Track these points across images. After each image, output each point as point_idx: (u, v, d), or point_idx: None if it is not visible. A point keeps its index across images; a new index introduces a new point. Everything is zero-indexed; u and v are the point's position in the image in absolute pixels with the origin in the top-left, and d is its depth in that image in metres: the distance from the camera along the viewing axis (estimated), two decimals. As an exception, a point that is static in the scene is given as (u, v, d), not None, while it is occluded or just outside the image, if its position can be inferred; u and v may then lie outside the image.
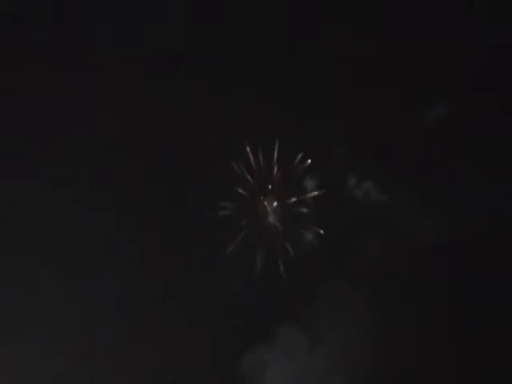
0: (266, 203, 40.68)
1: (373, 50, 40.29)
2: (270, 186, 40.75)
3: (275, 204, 40.70)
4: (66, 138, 40.46)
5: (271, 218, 40.65)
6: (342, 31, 40.29)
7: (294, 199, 40.38)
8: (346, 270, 39.24)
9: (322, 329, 38.48)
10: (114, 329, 39.41)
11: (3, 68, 40.86)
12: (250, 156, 40.39)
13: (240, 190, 40.40)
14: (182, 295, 39.45)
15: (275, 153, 40.10)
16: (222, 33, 40.85)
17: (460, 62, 40.15)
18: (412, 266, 39.19)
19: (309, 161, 40.00)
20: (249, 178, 40.64)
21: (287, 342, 38.61)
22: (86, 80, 40.44)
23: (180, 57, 40.89)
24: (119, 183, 40.33)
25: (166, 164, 40.41)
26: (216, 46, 40.81)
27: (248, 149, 40.27)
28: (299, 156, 40.18)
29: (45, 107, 40.71)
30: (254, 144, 40.34)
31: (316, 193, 40.16)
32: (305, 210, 40.22)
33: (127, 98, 40.27)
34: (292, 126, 40.32)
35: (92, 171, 40.32)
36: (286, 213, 40.56)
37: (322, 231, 39.69)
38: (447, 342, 38.96)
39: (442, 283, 39.32)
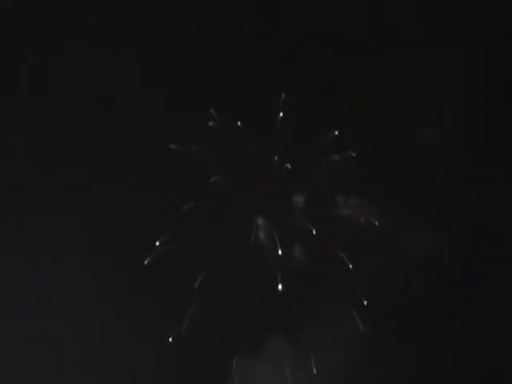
0: (259, 222, 37.99)
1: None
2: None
3: (267, 223, 38.15)
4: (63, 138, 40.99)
5: (262, 235, 38.44)
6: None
7: (285, 217, 38.03)
8: (338, 286, 38.55)
9: (312, 341, 38.55)
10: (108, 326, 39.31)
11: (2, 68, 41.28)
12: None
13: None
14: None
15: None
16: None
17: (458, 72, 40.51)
18: (406, 279, 39.23)
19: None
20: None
21: (275, 353, 38.56)
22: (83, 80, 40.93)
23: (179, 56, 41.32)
24: (116, 184, 40.56)
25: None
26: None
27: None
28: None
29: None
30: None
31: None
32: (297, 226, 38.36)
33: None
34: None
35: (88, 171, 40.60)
36: (278, 230, 38.19)
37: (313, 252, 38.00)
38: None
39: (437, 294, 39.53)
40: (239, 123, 36.80)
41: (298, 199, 38.34)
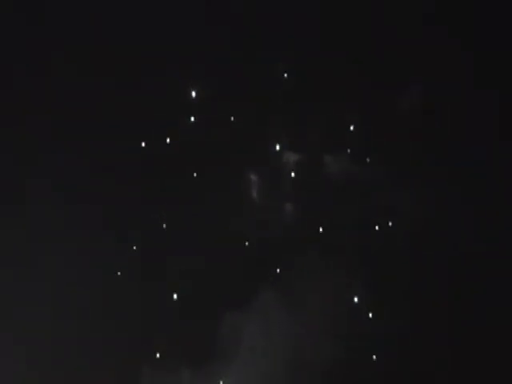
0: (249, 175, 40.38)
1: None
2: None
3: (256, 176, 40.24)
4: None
5: (254, 192, 39.93)
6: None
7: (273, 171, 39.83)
8: (325, 241, 39.23)
9: (300, 294, 38.72)
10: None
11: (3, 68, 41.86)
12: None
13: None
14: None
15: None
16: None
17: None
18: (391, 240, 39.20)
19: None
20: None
21: (265, 306, 38.65)
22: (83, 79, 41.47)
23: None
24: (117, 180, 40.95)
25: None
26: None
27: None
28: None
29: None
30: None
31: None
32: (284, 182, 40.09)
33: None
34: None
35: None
36: (266, 185, 38.35)
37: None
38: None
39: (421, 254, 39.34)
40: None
41: (289, 157, 39.09)
